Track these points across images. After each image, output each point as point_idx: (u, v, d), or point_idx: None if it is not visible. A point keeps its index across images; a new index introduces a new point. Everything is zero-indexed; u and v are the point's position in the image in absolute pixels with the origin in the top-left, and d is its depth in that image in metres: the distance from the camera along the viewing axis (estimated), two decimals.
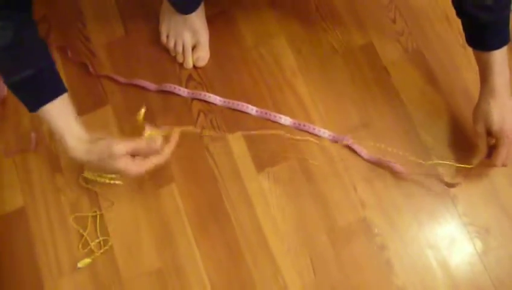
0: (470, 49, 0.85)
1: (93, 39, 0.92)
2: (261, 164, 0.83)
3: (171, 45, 0.88)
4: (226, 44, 0.90)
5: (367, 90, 0.86)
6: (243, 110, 0.85)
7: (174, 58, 0.89)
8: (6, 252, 0.82)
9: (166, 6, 0.88)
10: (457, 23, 0.73)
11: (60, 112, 0.68)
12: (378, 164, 0.81)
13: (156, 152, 0.70)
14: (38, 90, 0.67)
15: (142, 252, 0.80)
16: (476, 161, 0.78)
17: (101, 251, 0.80)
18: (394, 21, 0.89)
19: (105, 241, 0.81)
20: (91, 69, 0.89)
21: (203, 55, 0.88)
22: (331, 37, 0.89)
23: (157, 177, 0.83)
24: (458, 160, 0.80)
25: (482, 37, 0.70)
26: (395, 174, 0.80)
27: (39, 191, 0.85)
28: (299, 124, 0.84)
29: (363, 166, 0.81)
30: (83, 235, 0.81)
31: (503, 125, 0.72)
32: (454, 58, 0.86)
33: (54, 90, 0.68)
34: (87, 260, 0.80)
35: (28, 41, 0.65)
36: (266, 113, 0.85)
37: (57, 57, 0.91)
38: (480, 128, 0.75)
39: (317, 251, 0.78)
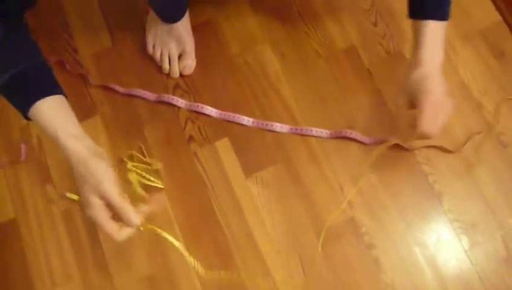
0: (449, 51, 0.87)
1: (81, 50, 0.93)
2: (249, 169, 0.84)
3: (158, 54, 0.90)
4: (212, 52, 0.91)
5: (351, 92, 0.87)
6: (239, 122, 0.86)
7: (161, 68, 0.90)
8: None
9: (152, 17, 0.89)
10: None
11: (56, 112, 0.62)
12: (380, 143, 0.80)
13: (127, 221, 0.60)
14: (30, 87, 0.62)
15: (133, 260, 0.81)
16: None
17: None
18: (375, 24, 0.91)
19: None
20: (90, 80, 0.90)
21: (190, 64, 0.89)
22: (314, 41, 0.91)
23: (147, 185, 0.84)
24: (442, 157, 0.82)
25: (422, 5, 0.70)
26: (381, 173, 0.82)
27: (30, 202, 0.85)
28: (296, 129, 0.85)
29: (349, 166, 0.83)
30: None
31: (422, 93, 0.67)
32: None
33: (48, 88, 0.63)
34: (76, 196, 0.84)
35: (21, 37, 0.63)
36: (262, 124, 0.86)
37: None
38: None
39: (307, 252, 0.79)
